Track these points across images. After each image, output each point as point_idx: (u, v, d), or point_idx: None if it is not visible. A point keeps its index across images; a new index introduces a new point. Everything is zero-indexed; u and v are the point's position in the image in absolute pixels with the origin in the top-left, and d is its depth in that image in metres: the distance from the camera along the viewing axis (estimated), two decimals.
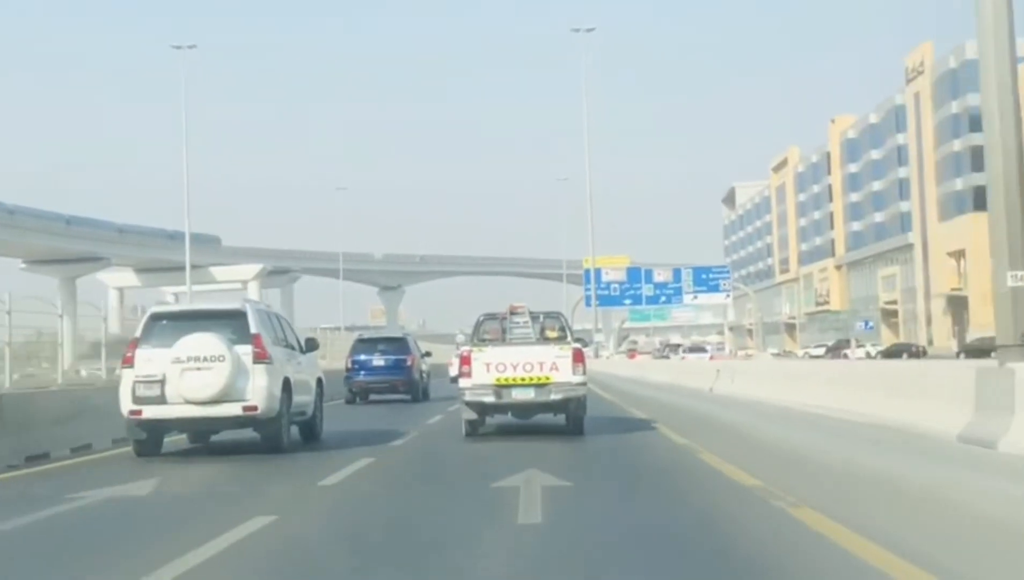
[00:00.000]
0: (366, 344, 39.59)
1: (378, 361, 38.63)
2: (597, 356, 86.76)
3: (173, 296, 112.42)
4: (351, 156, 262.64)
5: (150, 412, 17.49)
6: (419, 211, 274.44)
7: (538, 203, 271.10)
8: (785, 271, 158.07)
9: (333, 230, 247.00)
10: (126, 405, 17.63)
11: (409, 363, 38.73)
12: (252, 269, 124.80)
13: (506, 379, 19.98)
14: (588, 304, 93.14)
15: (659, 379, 43.55)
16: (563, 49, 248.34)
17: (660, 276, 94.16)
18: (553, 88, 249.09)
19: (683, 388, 36.17)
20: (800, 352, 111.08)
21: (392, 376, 38.40)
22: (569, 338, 20.75)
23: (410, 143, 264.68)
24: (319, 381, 21.15)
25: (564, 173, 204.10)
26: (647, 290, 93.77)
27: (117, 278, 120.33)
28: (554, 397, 19.93)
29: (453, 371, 57.18)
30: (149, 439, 18.02)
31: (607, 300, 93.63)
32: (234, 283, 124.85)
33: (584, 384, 20.23)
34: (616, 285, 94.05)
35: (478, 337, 20.82)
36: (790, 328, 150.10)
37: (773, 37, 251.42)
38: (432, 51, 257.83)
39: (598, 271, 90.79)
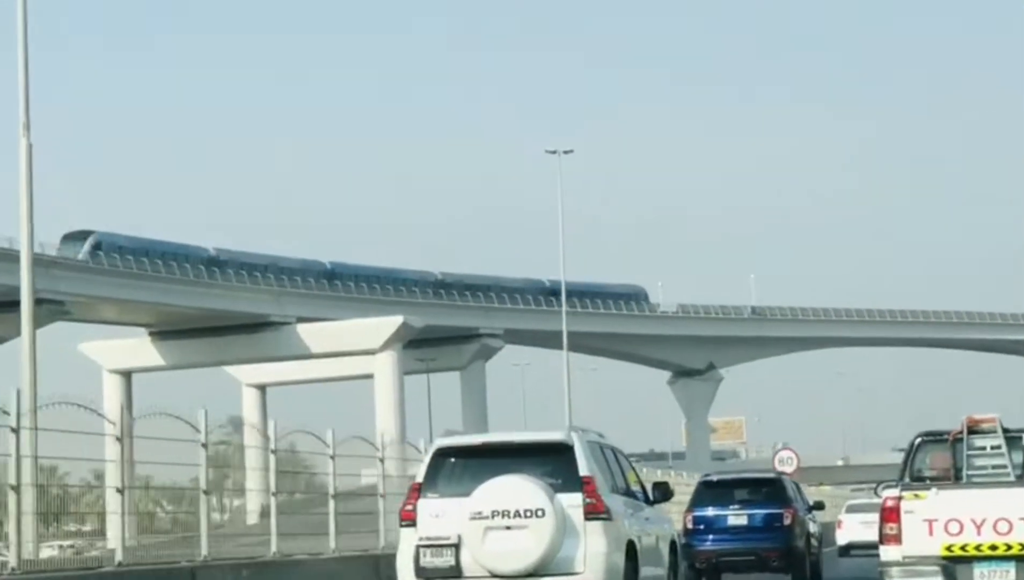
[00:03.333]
0: (716, 491, 27.49)
1: (736, 519, 26.48)
2: None
3: (256, 390, 78.46)
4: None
5: None
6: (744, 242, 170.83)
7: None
8: None
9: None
10: (406, 578, 14.68)
11: (787, 522, 26.26)
12: (383, 326, 67.62)
13: (965, 548, 14.60)
14: None
15: None
16: None
17: None
18: None
19: None
20: None
21: (760, 543, 26.20)
22: None
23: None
24: (672, 546, 17.20)
25: None
26: None
27: (104, 349, 69.80)
28: None
29: (845, 535, 39.05)
30: None
31: None
32: (353, 354, 70.87)
33: None
34: None
35: (912, 474, 15.38)
36: None
37: None
38: None
39: None
